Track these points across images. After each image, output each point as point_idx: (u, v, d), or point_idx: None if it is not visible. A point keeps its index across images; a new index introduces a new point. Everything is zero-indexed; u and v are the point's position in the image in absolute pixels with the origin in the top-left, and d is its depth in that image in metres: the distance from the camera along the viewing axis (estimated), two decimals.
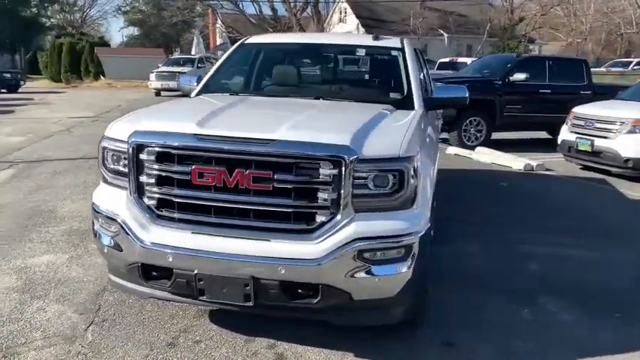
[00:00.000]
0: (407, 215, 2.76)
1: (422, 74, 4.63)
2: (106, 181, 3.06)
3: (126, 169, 2.87)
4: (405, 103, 3.86)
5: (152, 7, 52.93)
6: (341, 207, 2.65)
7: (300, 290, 2.74)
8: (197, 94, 4.27)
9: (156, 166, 2.79)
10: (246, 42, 4.85)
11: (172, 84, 22.11)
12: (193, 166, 2.72)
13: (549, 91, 10.89)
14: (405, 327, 3.17)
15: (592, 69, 12.11)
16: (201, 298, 2.79)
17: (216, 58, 26.23)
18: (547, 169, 8.68)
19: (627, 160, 7.78)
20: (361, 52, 4.72)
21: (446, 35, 38.17)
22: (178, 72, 21.10)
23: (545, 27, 39.40)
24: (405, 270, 2.75)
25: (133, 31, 59.75)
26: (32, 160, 8.36)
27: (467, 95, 4.22)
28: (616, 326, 3.54)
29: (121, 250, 2.90)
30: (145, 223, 2.84)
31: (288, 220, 2.71)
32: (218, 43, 49.02)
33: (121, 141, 2.89)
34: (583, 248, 5.00)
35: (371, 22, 37.36)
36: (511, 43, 30.51)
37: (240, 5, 36.57)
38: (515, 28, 33.16)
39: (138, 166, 2.83)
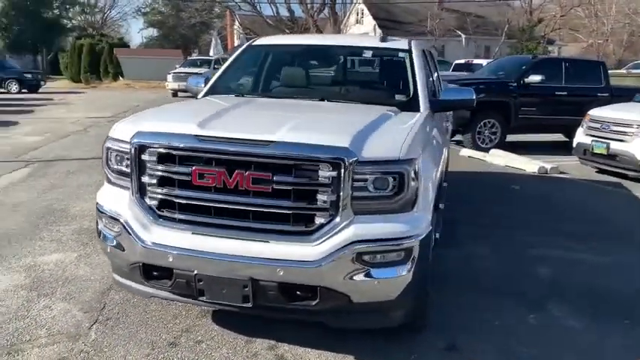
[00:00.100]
0: (407, 218, 2.74)
1: (431, 76, 4.59)
2: (109, 181, 3.09)
3: (128, 170, 2.89)
4: (411, 105, 3.83)
5: (171, 8, 53.34)
6: (340, 209, 2.64)
7: (298, 292, 2.73)
8: (204, 96, 4.29)
9: (157, 167, 2.81)
10: (254, 44, 4.88)
11: None
12: (194, 167, 2.73)
13: (565, 93, 10.74)
14: (406, 331, 3.15)
15: (612, 71, 11.89)
16: (200, 298, 2.80)
17: None
18: (561, 172, 8.55)
19: None
20: (368, 54, 4.71)
21: (463, 36, 37.81)
22: (195, 73, 21.25)
23: (564, 28, 38.76)
24: (404, 273, 2.72)
25: (153, 32, 60.19)
26: (48, 160, 8.48)
27: (474, 97, 4.17)
28: (626, 331, 3.47)
29: (123, 250, 2.93)
30: (146, 223, 2.86)
31: (287, 222, 2.70)
32: (236, 44, 49.24)
33: (124, 141, 2.91)
34: (595, 252, 4.92)
35: (388, 24, 37.17)
36: (530, 44, 29.96)
37: (258, 7, 36.85)
38: (534, 29, 32.60)
39: (140, 167, 2.85)
